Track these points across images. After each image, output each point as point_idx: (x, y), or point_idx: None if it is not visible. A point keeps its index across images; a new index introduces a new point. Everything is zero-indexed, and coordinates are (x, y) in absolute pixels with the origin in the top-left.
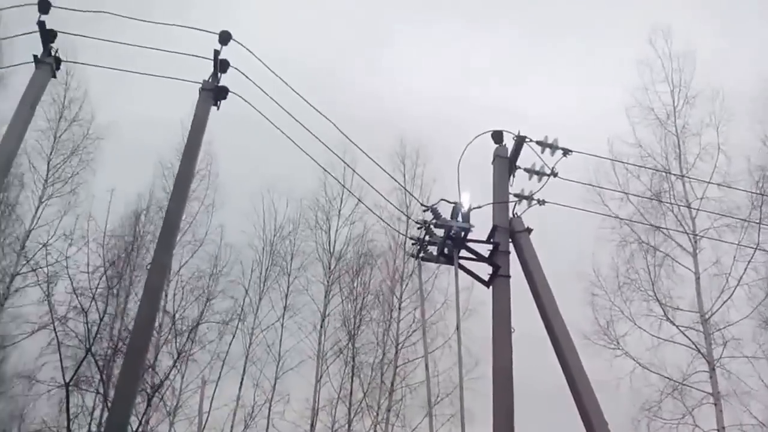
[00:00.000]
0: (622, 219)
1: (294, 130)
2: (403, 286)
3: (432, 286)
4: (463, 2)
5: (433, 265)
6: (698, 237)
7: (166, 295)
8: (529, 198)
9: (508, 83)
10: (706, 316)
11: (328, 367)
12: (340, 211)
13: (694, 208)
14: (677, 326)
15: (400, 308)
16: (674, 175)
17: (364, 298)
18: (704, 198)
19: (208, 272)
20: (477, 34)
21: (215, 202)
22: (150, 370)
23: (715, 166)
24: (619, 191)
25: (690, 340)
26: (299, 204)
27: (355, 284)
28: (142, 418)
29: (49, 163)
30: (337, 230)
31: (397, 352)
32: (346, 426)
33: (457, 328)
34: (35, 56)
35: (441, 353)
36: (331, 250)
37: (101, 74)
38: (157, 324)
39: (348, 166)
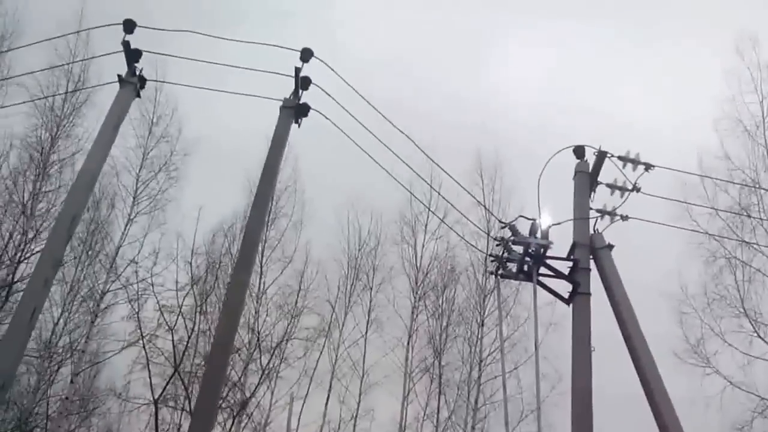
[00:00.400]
0: (711, 234)
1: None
2: (486, 303)
3: (514, 301)
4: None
5: (514, 281)
6: None
7: (256, 312)
8: (612, 214)
9: (596, 89)
10: None
11: (414, 384)
12: (426, 226)
13: None
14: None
15: (482, 324)
16: (764, 189)
17: (449, 316)
18: None
19: (296, 288)
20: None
21: (303, 219)
22: (236, 387)
23: None
24: (705, 206)
25: None
26: (383, 219)
27: (441, 301)
28: None
29: (137, 179)
30: (423, 245)
31: (480, 370)
32: None
33: (536, 348)
34: (119, 76)
35: (525, 368)
36: (418, 265)
37: (191, 91)
38: (246, 341)
39: (431, 186)
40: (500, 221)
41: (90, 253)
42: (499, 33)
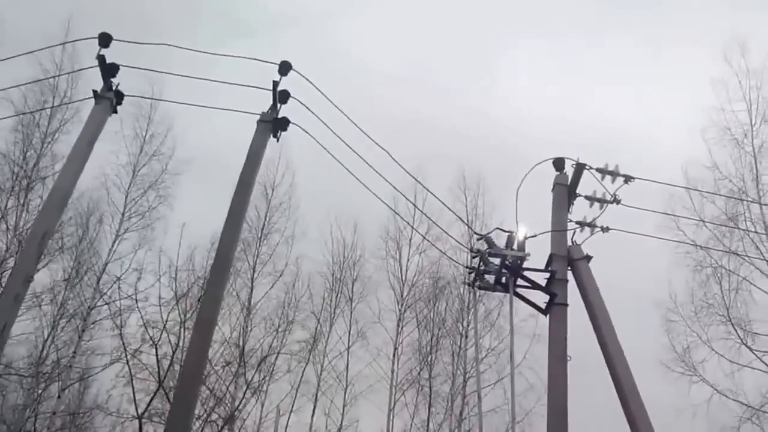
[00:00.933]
0: (697, 245)
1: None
2: (469, 316)
3: (498, 313)
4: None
5: (499, 293)
6: None
7: (246, 327)
8: (591, 225)
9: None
10: None
11: (403, 394)
12: (411, 240)
13: None
14: (753, 351)
15: (466, 336)
16: (749, 200)
17: (439, 329)
18: None
19: (286, 302)
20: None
21: (295, 234)
22: (221, 402)
23: None
24: (691, 218)
25: (766, 365)
26: (368, 231)
27: (431, 313)
28: None
29: (126, 197)
30: (408, 259)
31: (465, 381)
32: None
33: (511, 358)
34: (95, 91)
35: (510, 380)
36: (403, 279)
37: (188, 109)
38: (237, 355)
39: (414, 205)
40: (476, 233)
41: (79, 270)
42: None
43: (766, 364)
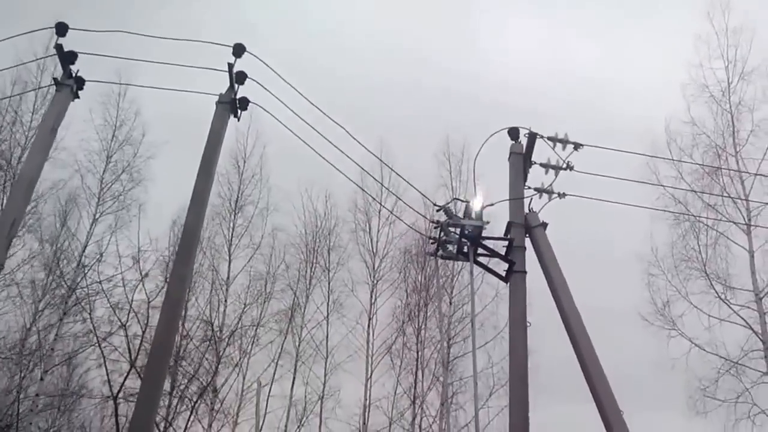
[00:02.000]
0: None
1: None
2: (453, 282)
3: (482, 281)
4: None
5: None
6: (752, 215)
7: (225, 300)
8: (549, 192)
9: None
10: (761, 295)
11: (380, 362)
12: (380, 211)
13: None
14: (730, 305)
15: (451, 304)
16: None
17: (426, 294)
18: (758, 175)
19: (265, 274)
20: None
21: (269, 206)
22: (194, 377)
23: None
24: (633, 180)
25: (744, 319)
26: (340, 202)
27: (401, 282)
28: (188, 423)
29: (102, 181)
30: (378, 230)
31: (449, 346)
32: (409, 422)
33: (472, 324)
34: (55, 79)
35: (494, 345)
36: (374, 250)
37: (155, 93)
38: (217, 329)
39: (379, 182)
40: (435, 204)
41: (57, 254)
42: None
43: (743, 318)
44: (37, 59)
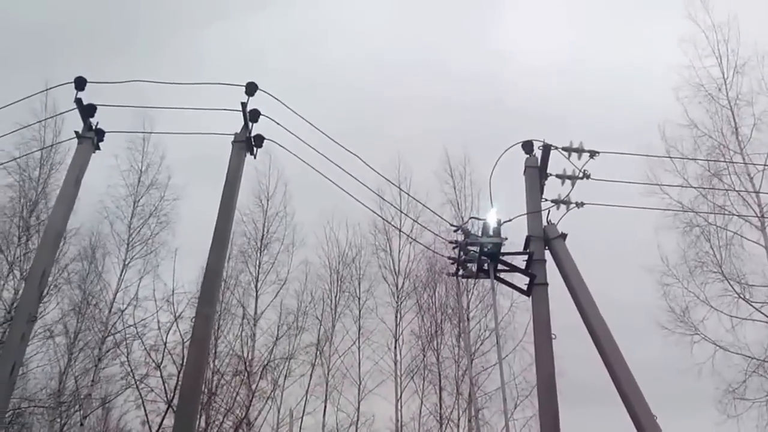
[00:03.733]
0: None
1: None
2: (469, 298)
3: (497, 292)
4: None
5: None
6: (765, 210)
7: (254, 336)
8: (566, 202)
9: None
10: None
11: (412, 378)
12: (400, 233)
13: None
14: (751, 303)
15: (468, 319)
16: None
17: (442, 313)
18: (766, 168)
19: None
20: None
21: (294, 241)
22: (229, 412)
23: None
24: (652, 184)
25: (766, 315)
26: (360, 227)
27: (425, 299)
28: None
29: (130, 227)
30: (399, 250)
31: (471, 362)
32: None
33: (497, 340)
34: (76, 132)
35: (514, 356)
36: (396, 270)
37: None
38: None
39: (395, 207)
40: (451, 225)
41: (89, 301)
42: None
43: (765, 315)
44: (55, 115)
